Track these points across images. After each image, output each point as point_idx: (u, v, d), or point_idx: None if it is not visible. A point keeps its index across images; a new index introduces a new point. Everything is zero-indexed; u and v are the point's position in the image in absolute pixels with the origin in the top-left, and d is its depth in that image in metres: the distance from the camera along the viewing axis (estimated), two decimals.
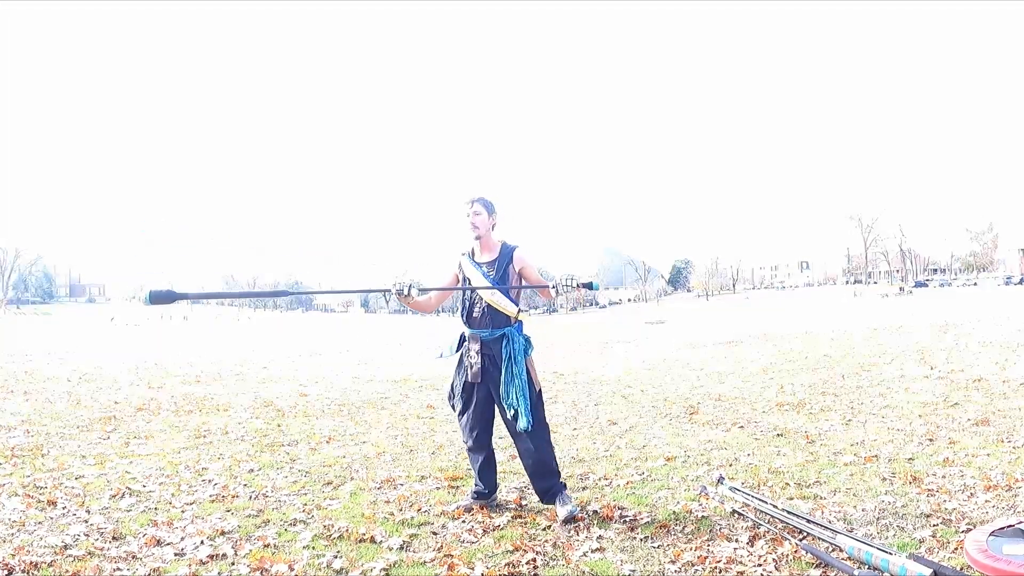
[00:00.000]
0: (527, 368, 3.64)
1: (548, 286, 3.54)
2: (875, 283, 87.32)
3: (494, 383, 3.64)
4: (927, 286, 75.14)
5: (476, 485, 3.78)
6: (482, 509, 3.69)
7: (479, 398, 3.71)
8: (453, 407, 3.82)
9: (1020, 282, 68.76)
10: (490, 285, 3.62)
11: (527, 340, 3.72)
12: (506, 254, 3.74)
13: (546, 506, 3.71)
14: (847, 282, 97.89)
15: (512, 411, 3.57)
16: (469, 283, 3.71)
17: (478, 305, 3.68)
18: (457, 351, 3.81)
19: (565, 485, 3.70)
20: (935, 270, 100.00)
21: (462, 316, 3.78)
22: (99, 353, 17.59)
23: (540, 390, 3.69)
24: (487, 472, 3.76)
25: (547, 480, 3.62)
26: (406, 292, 3.38)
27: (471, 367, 3.66)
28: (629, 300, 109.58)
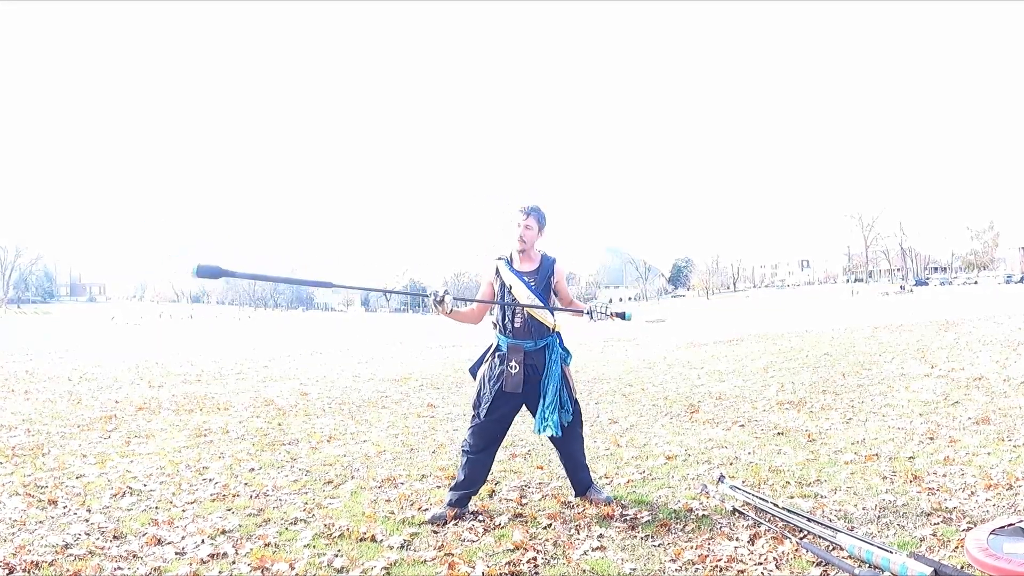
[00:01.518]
0: (567, 378, 3.65)
1: (583, 312, 3.62)
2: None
3: (533, 393, 3.61)
4: (928, 284, 75.14)
5: (461, 488, 3.63)
6: (484, 509, 3.68)
7: (510, 409, 3.67)
8: (478, 415, 3.64)
9: (1021, 280, 68.77)
10: (535, 297, 3.57)
11: (566, 350, 3.72)
12: (547, 265, 3.71)
13: (547, 505, 3.75)
14: (848, 280, 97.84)
15: (551, 419, 3.54)
16: (509, 291, 3.63)
17: (519, 315, 3.61)
18: (483, 362, 3.74)
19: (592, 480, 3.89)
20: (936, 268, 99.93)
21: (500, 327, 3.67)
22: (100, 352, 17.60)
23: (576, 399, 3.72)
24: (482, 475, 3.69)
25: (582, 473, 3.81)
26: (440, 297, 3.37)
27: (510, 377, 3.57)
28: (630, 299, 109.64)
